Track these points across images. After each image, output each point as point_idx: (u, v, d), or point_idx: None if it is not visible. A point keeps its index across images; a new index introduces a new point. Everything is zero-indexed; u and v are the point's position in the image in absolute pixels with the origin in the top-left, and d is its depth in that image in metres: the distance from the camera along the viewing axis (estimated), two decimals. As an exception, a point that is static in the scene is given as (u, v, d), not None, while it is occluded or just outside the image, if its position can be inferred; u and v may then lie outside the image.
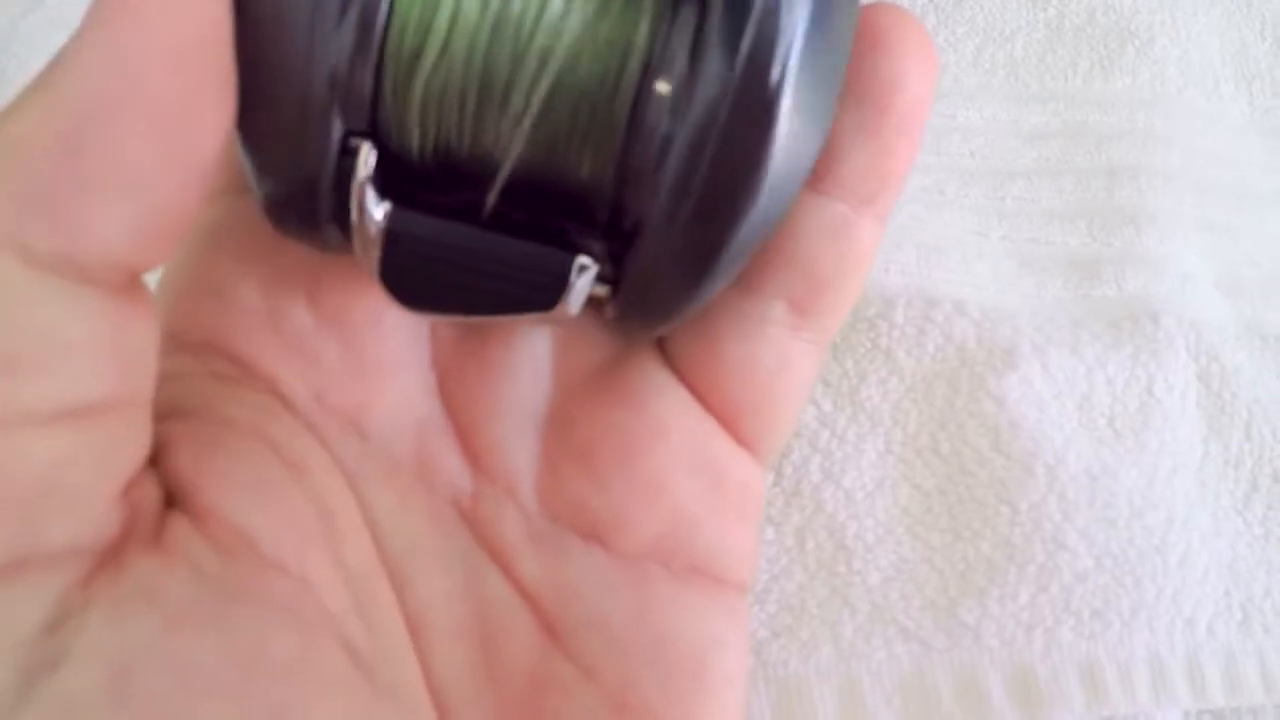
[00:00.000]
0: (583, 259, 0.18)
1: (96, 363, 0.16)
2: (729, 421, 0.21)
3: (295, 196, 0.17)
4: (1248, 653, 0.30)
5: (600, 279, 0.18)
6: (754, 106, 0.16)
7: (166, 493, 0.18)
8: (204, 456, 0.19)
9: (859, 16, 0.18)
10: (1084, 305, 0.33)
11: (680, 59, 0.16)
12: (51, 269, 0.16)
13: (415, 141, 0.18)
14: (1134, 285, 0.34)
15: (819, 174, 0.19)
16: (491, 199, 0.18)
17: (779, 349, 0.21)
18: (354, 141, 0.17)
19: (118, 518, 0.17)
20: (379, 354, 0.21)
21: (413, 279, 0.18)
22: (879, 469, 0.30)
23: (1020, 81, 0.38)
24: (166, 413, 0.19)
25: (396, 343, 0.21)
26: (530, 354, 0.22)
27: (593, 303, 0.19)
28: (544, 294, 0.18)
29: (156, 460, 0.19)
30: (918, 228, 0.33)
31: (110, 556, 0.17)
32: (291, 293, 0.21)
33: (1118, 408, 0.32)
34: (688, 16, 0.17)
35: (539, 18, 0.17)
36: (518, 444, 0.21)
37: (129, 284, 0.17)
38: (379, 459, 0.21)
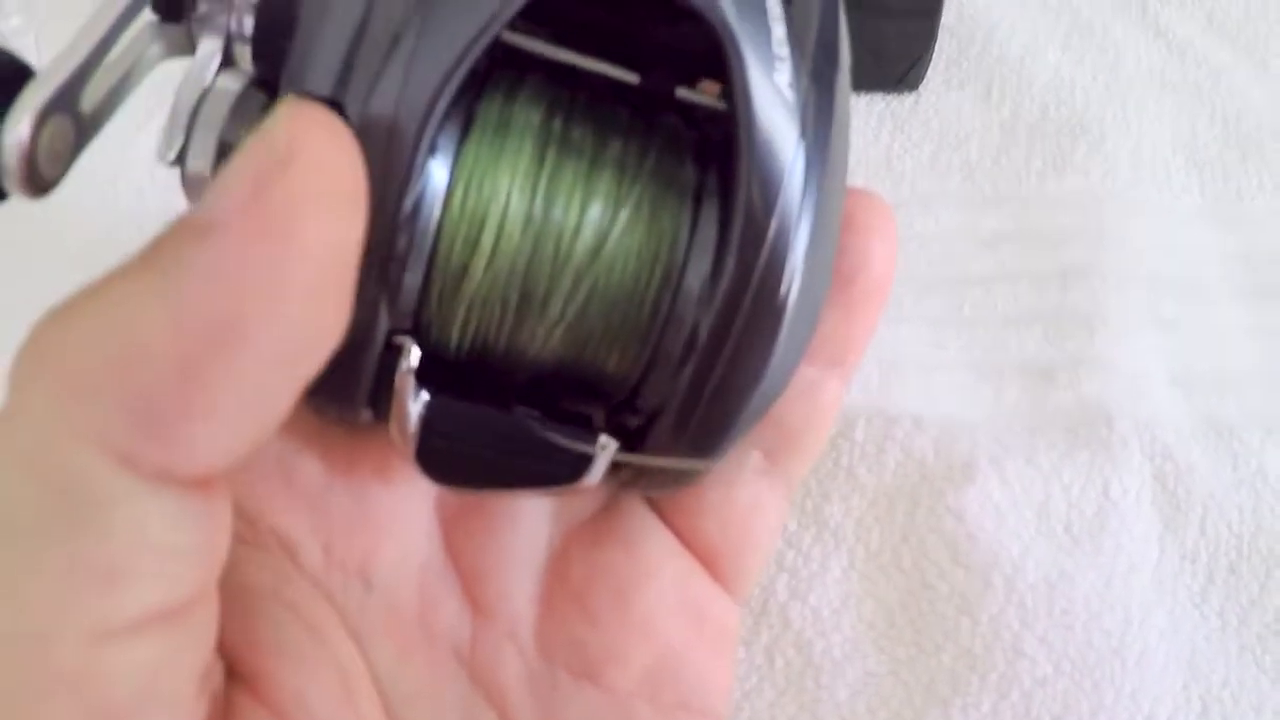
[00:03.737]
0: (604, 439, 0.19)
1: (190, 563, 0.16)
2: (709, 561, 0.23)
3: (336, 383, 0.18)
4: (1207, 745, 0.31)
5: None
6: (766, 317, 0.18)
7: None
8: (241, 623, 0.19)
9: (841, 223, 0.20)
10: (1040, 412, 0.35)
11: (701, 272, 0.19)
12: (154, 477, 0.15)
13: (454, 340, 0.19)
14: (1089, 389, 0.35)
15: None
16: (521, 390, 0.20)
17: (753, 494, 0.23)
18: (398, 339, 0.18)
19: (202, 710, 0.17)
20: (385, 505, 0.22)
21: (446, 460, 0.19)
22: (844, 585, 0.31)
23: (975, 185, 0.39)
24: None
25: (402, 494, 0.22)
26: (530, 502, 0.23)
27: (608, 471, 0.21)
28: (569, 471, 0.20)
29: None
30: (877, 344, 0.34)
31: None
32: (304, 447, 0.22)
33: (1074, 513, 0.33)
34: (707, 230, 0.19)
35: (576, 232, 0.19)
36: (518, 588, 0.23)
37: (219, 480, 0.16)
38: (382, 609, 0.22)
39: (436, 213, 0.18)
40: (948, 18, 0.42)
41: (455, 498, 0.23)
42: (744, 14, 0.18)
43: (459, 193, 0.18)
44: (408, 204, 0.17)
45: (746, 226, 0.18)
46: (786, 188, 0.18)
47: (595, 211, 0.19)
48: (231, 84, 0.18)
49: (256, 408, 0.15)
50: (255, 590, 0.20)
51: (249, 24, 0.18)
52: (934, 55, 0.42)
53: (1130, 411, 0.35)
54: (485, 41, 0.17)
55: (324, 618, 0.21)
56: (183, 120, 0.18)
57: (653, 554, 0.23)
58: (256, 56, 0.18)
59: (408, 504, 0.23)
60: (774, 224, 0.18)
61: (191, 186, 0.18)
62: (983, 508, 0.32)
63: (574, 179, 0.19)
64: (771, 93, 0.18)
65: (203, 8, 0.18)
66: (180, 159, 0.18)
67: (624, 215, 0.19)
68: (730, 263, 0.18)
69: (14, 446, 0.15)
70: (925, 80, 0.42)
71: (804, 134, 0.18)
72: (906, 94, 0.42)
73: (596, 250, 0.19)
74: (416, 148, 0.17)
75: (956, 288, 0.37)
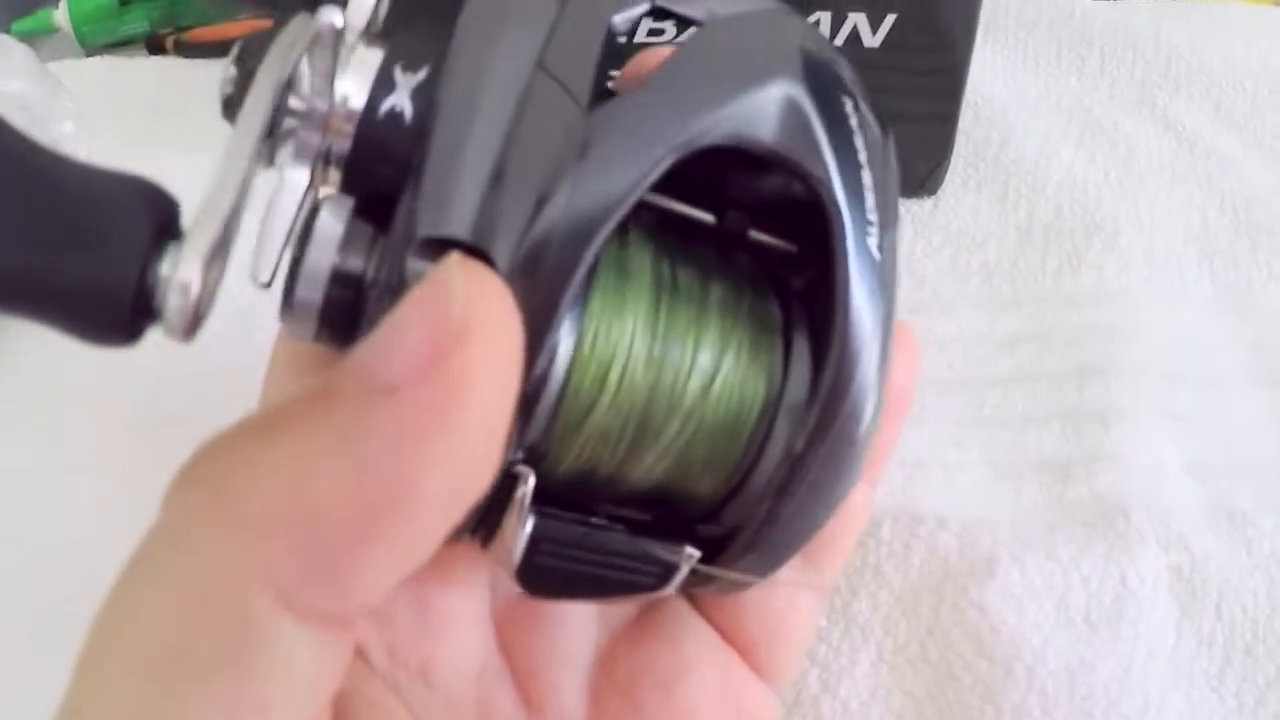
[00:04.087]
0: (689, 550, 0.22)
1: (324, 690, 0.17)
2: (747, 653, 0.25)
3: None
4: (1225, 825, 0.33)
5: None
6: (846, 452, 0.21)
7: None
8: None
9: None
10: (1059, 508, 0.36)
11: (792, 405, 0.21)
12: (310, 618, 0.16)
13: (565, 466, 0.21)
14: (1105, 482, 0.37)
15: None
16: (610, 505, 0.22)
17: (790, 592, 0.25)
18: (516, 468, 0.20)
19: None
20: (445, 610, 0.24)
21: (546, 575, 0.21)
22: (872, 678, 0.33)
23: (993, 287, 0.41)
24: None
25: (460, 599, 0.25)
26: (579, 606, 0.25)
27: None
28: (655, 580, 0.22)
29: None
30: (901, 446, 0.36)
31: None
32: None
33: (1093, 604, 0.35)
34: (800, 367, 0.21)
35: (690, 372, 0.21)
36: (568, 683, 0.25)
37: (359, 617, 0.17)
38: (443, 706, 0.24)
39: (569, 352, 0.20)
40: (964, 122, 0.45)
41: (509, 601, 0.25)
42: (848, 186, 0.21)
43: (590, 335, 0.20)
44: (548, 349, 0.19)
45: (839, 372, 0.21)
46: (872, 341, 0.21)
47: (706, 353, 0.21)
48: (335, 219, 0.19)
49: (415, 555, 0.17)
50: (344, 691, 0.22)
51: (343, 147, 0.19)
52: (952, 159, 0.44)
53: (1145, 503, 0.36)
54: (632, 202, 0.19)
55: (396, 711, 0.23)
56: (276, 243, 0.18)
57: (694, 648, 0.25)
58: (349, 181, 0.19)
59: (465, 607, 0.25)
60: (859, 371, 0.21)
61: (299, 312, 0.19)
62: (1005, 601, 0.34)
63: (687, 323, 0.21)
64: (865, 255, 0.21)
65: (288, 123, 0.18)
66: (285, 288, 0.19)
67: (729, 356, 0.21)
68: (821, 400, 0.21)
69: (184, 582, 0.16)
70: (944, 184, 0.44)
71: (884, 289, 0.21)
72: (926, 198, 0.44)
73: (706, 389, 0.21)
74: (562, 300, 0.18)
75: (976, 389, 0.39)
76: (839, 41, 0.40)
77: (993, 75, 0.49)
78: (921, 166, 0.43)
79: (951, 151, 0.44)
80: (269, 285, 0.19)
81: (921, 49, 0.40)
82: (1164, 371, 0.40)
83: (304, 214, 0.19)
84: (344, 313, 0.19)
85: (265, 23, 0.53)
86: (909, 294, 0.41)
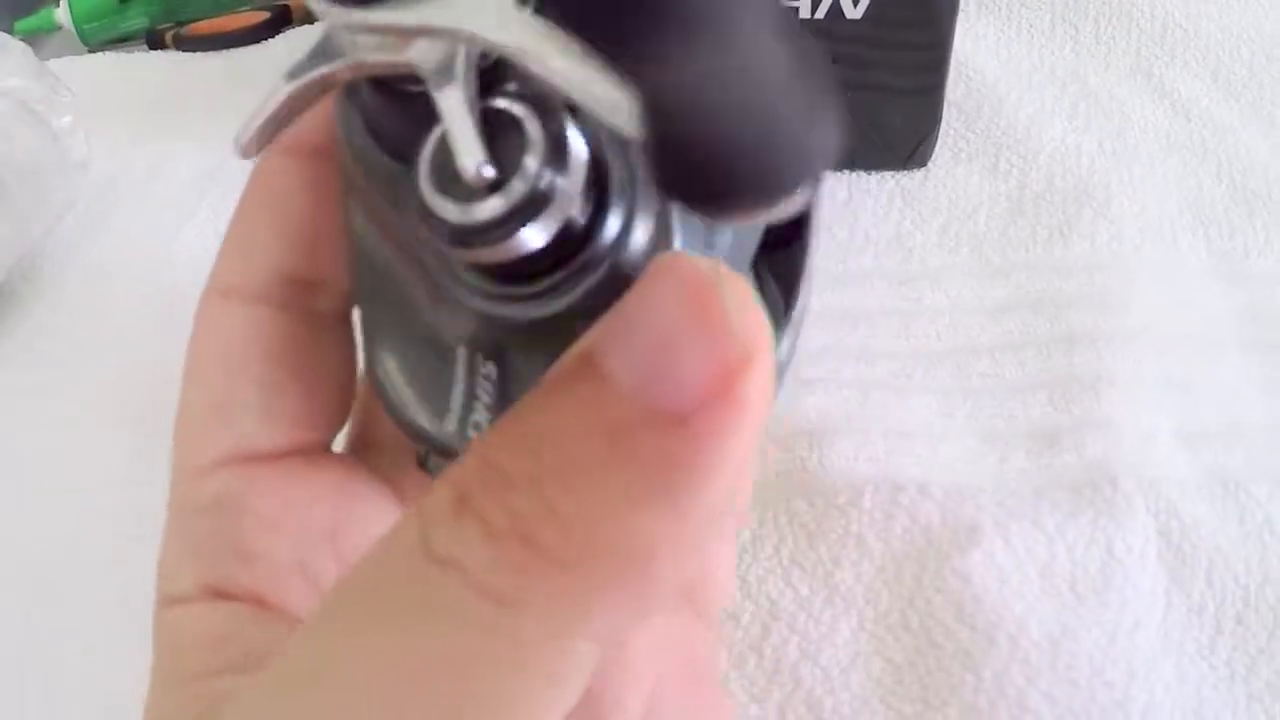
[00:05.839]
0: None
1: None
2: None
3: None
4: (1214, 795, 0.32)
5: None
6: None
7: None
8: None
9: None
10: (1045, 475, 0.36)
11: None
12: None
13: None
14: (1094, 450, 0.37)
15: None
16: None
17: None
18: None
19: None
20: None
21: None
22: (853, 646, 0.33)
23: (983, 257, 0.41)
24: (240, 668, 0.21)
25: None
26: None
27: None
28: None
29: None
30: (886, 415, 0.36)
31: None
32: (318, 545, 0.24)
33: (1078, 571, 0.34)
34: (772, 305, 0.23)
35: None
36: None
37: None
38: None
39: None
40: (955, 93, 0.45)
41: None
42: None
43: None
44: None
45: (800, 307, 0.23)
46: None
47: None
48: (582, 140, 0.17)
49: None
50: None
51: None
52: (941, 131, 0.44)
53: (1135, 470, 0.36)
54: None
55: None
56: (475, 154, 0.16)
57: None
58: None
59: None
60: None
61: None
62: (987, 569, 0.34)
63: None
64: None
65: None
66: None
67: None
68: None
69: (502, 636, 0.16)
70: (934, 156, 0.44)
71: None
72: (916, 170, 0.44)
73: None
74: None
75: (965, 358, 0.39)
76: (820, 15, 0.40)
77: (985, 47, 0.48)
78: (909, 139, 0.43)
79: (939, 124, 0.44)
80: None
81: (904, 21, 0.40)
82: (1157, 338, 0.40)
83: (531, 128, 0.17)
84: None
85: (262, 15, 0.54)
86: (898, 265, 0.41)
